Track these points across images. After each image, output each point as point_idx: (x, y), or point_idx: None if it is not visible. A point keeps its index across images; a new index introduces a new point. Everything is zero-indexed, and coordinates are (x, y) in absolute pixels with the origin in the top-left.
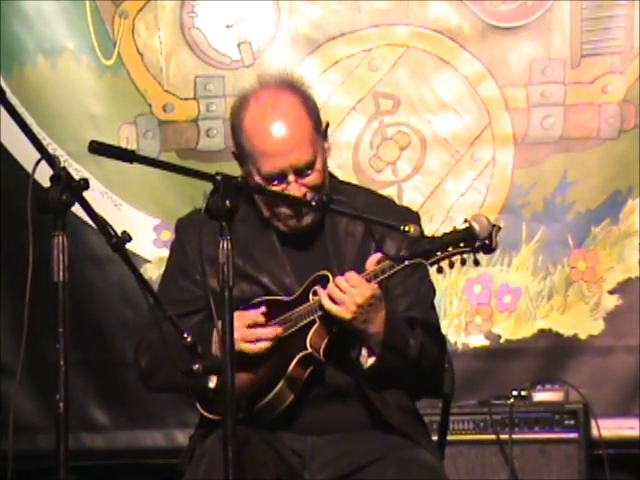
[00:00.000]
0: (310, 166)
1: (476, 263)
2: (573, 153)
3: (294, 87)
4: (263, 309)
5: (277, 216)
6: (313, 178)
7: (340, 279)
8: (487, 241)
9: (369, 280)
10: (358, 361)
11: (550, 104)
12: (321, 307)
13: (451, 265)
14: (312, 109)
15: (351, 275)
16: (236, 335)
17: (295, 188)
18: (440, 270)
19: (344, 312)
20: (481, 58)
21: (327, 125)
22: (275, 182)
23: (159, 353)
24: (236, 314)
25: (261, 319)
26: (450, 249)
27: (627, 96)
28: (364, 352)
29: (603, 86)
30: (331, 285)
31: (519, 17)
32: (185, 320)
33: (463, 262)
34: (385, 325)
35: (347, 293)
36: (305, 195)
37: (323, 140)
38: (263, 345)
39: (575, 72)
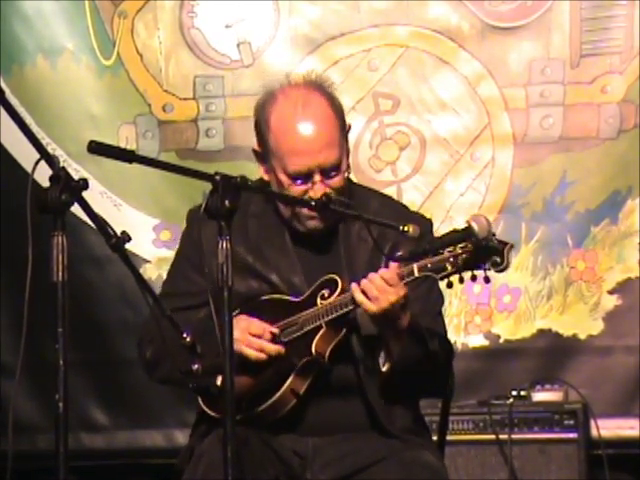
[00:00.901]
0: (336, 167)
1: (487, 280)
2: (572, 153)
3: (322, 88)
4: (276, 330)
5: (297, 216)
6: (338, 180)
7: (376, 276)
8: (499, 259)
9: (401, 279)
10: (377, 362)
11: (549, 104)
12: (330, 312)
13: (461, 280)
14: (339, 111)
15: (386, 273)
16: (241, 337)
17: (320, 188)
18: (450, 285)
19: (377, 308)
20: (480, 58)
21: (349, 128)
22: (299, 181)
23: (163, 346)
24: (248, 319)
25: (268, 336)
26: (461, 264)
27: (627, 96)
28: (382, 354)
29: (602, 86)
30: (365, 281)
31: (518, 17)
32: (192, 313)
33: (474, 278)
34: (408, 327)
35: (382, 291)
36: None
37: (346, 141)
38: (263, 355)
39: (574, 72)
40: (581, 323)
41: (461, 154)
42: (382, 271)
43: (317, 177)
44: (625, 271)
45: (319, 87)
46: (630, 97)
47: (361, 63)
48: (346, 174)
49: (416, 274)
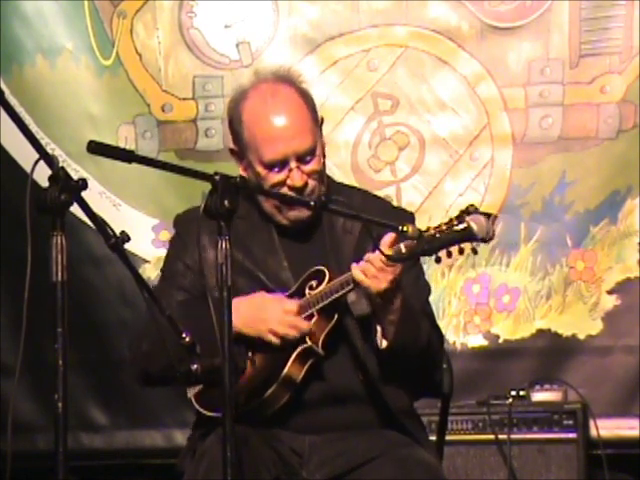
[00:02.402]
0: (311, 152)
1: (474, 252)
2: (572, 153)
3: (291, 81)
4: (299, 301)
5: (279, 208)
6: (314, 164)
7: (375, 257)
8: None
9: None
10: (375, 340)
11: (549, 104)
12: (323, 298)
13: (449, 255)
14: (310, 102)
15: (381, 256)
16: (273, 315)
17: (297, 175)
18: (438, 260)
19: (377, 287)
20: (480, 58)
21: (322, 120)
22: (276, 169)
23: (160, 340)
24: (274, 297)
25: (296, 310)
26: (448, 238)
27: (626, 96)
28: (379, 333)
29: (602, 86)
30: (364, 263)
31: (518, 17)
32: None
33: (461, 251)
34: (402, 306)
35: (381, 270)
36: (307, 183)
37: (320, 133)
38: (293, 334)
39: (574, 72)
40: (580, 323)
41: (460, 154)
42: (379, 254)
43: (293, 163)
44: (624, 271)
45: (288, 80)
46: (629, 97)
47: (360, 63)
48: (322, 160)
49: (403, 250)
